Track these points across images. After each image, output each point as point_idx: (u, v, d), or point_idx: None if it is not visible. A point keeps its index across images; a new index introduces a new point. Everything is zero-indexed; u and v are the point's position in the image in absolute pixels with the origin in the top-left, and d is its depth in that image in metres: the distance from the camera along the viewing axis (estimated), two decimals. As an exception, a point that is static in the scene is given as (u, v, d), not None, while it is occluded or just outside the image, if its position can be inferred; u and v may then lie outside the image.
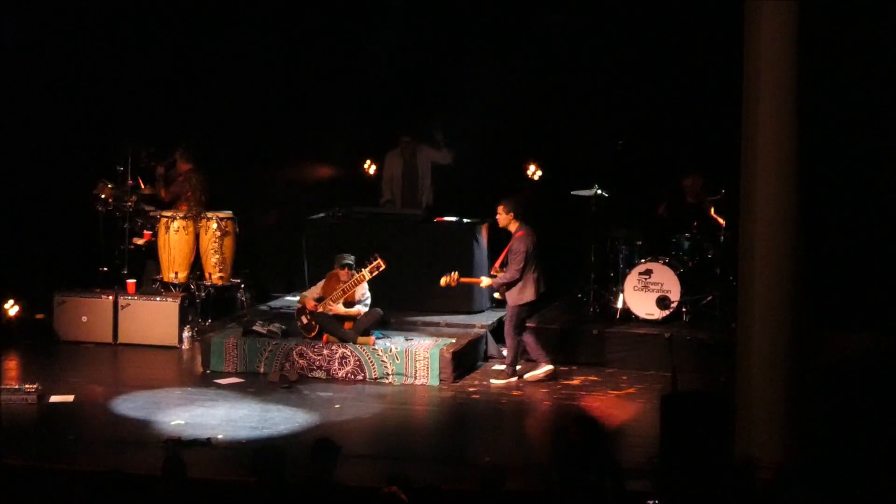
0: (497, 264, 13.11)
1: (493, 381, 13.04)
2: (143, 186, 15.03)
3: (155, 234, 14.91)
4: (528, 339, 13.16)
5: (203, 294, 14.68)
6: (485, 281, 13.29)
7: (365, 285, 13.22)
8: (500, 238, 14.59)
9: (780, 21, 9.53)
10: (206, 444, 10.83)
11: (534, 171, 15.02)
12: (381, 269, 13.10)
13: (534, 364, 13.14)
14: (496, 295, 13.44)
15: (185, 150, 15.08)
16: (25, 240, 14.78)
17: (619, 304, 14.07)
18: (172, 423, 11.48)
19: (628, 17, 14.73)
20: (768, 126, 9.62)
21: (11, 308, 14.28)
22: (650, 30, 14.65)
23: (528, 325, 13.29)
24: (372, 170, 15.69)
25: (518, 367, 13.16)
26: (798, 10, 9.51)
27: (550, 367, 13.04)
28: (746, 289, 9.84)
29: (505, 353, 14.06)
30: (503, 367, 13.32)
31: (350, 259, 13.23)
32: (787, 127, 9.58)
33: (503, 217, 13.04)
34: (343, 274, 13.21)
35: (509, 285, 12.95)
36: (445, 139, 15.26)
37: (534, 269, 12.96)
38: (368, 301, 13.31)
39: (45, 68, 15.05)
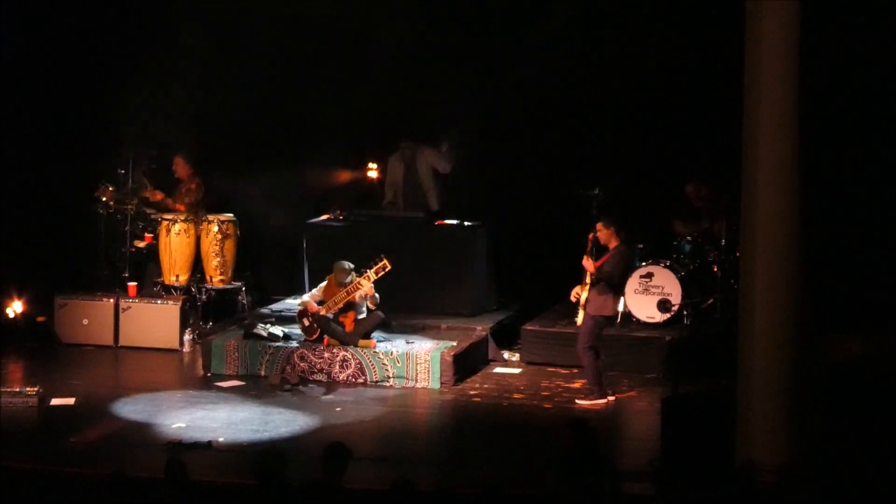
0: (596, 265, 12.48)
1: (578, 401, 12.52)
2: (148, 188, 15.10)
3: (156, 237, 14.93)
4: (590, 359, 12.59)
5: (204, 297, 14.68)
6: (588, 262, 12.44)
7: (374, 293, 13.18)
8: (502, 242, 14.63)
9: (782, 23, 9.53)
10: (207, 447, 10.83)
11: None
12: (386, 269, 13.09)
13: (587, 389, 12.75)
14: (582, 298, 12.48)
15: (185, 154, 15.11)
16: (27, 242, 14.78)
17: (620, 307, 14.04)
18: (173, 425, 11.48)
19: (629, 20, 14.73)
20: (769, 129, 9.62)
21: (13, 308, 14.33)
22: (652, 33, 14.64)
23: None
24: (373, 174, 15.68)
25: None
26: (799, 12, 9.51)
27: (603, 400, 12.53)
28: (747, 292, 9.84)
29: (507, 356, 14.07)
30: (514, 370, 13.29)
31: (348, 275, 13.19)
32: (787, 130, 9.57)
33: (604, 233, 12.49)
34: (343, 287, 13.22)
35: (598, 293, 12.45)
36: (451, 149, 15.18)
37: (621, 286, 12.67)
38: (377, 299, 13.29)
39: (47, 71, 15.04)
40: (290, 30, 15.50)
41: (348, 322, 13.27)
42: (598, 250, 12.64)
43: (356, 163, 15.81)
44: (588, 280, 12.49)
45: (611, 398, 12.54)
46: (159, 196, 15.12)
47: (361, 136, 15.78)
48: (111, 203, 14.87)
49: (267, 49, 15.61)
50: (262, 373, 13.23)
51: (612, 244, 12.56)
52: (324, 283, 13.50)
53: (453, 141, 15.19)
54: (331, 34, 15.55)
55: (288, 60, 15.67)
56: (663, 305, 13.63)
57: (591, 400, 12.49)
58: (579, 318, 12.63)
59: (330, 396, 12.65)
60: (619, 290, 12.74)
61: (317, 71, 15.64)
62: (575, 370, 13.44)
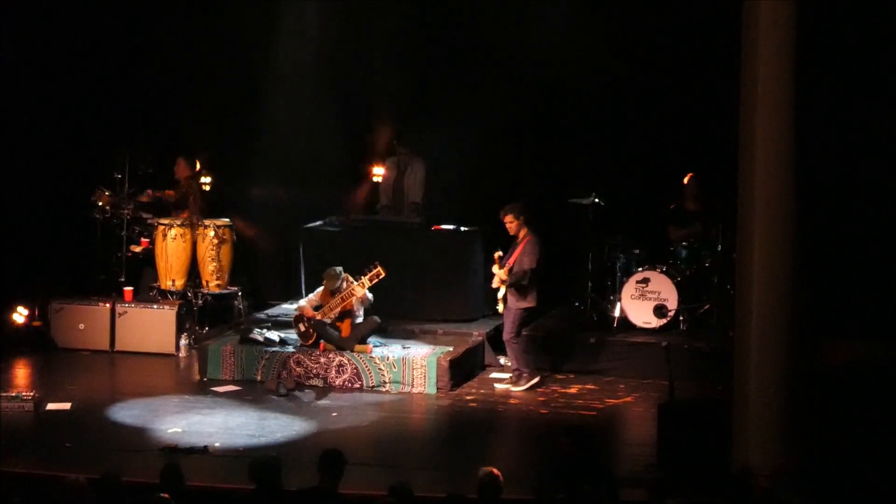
0: (509, 264, 12.80)
1: (511, 389, 12.95)
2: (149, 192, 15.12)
3: (152, 242, 14.93)
4: (518, 347, 13.09)
5: (200, 302, 14.67)
6: (498, 270, 12.78)
7: (367, 292, 13.16)
8: (499, 247, 14.61)
9: (778, 23, 9.54)
10: (203, 452, 10.82)
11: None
12: (380, 276, 13.08)
13: (517, 375, 13.09)
14: (499, 305, 13.01)
15: (185, 157, 15.12)
16: (23, 247, 14.76)
17: (617, 313, 14.06)
18: (169, 430, 11.47)
19: (625, 23, 14.74)
20: (766, 133, 9.64)
21: (19, 315, 14.33)
22: (648, 34, 14.65)
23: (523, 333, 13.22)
24: (377, 178, 15.65)
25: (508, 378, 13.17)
26: (796, 12, 9.52)
27: (536, 378, 13.03)
28: (744, 297, 9.84)
29: (503, 361, 14.07)
30: (505, 375, 13.35)
31: (339, 281, 13.17)
32: (784, 132, 9.59)
33: (513, 224, 12.85)
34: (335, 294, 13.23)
35: (517, 288, 12.80)
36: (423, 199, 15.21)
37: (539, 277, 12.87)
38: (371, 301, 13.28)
39: (44, 75, 15.03)
40: (288, 30, 15.53)
41: (345, 327, 13.26)
42: (509, 242, 13.02)
43: (357, 167, 15.81)
44: (503, 277, 12.81)
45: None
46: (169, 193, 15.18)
47: (360, 140, 15.76)
48: (107, 207, 14.87)
49: (263, 51, 15.63)
50: (259, 378, 13.22)
51: (522, 234, 12.86)
52: (320, 289, 13.48)
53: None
54: (330, 36, 15.58)
55: (285, 61, 15.68)
56: (659, 311, 13.64)
57: (524, 383, 12.92)
58: (500, 307, 12.96)
59: (324, 401, 12.64)
60: (535, 281, 12.87)
61: (314, 72, 15.65)
62: (571, 375, 13.47)
